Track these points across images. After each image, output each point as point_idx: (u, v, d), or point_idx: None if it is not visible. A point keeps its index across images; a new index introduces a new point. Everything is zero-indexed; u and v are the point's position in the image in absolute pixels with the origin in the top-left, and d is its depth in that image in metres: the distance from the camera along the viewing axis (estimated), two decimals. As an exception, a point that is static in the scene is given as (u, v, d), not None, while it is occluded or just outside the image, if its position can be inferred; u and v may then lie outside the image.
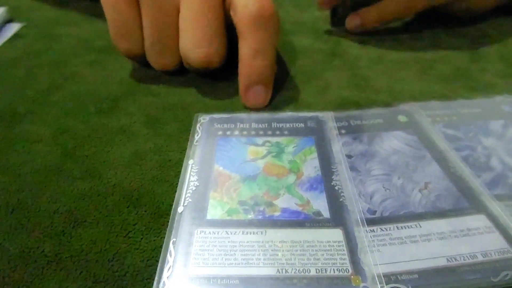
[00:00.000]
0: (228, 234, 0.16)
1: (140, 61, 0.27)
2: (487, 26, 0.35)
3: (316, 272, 0.15)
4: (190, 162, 0.20)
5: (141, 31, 0.25)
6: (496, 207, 0.17)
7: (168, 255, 0.15)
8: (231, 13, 0.24)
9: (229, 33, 0.24)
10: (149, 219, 0.17)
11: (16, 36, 0.33)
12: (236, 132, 0.22)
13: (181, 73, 0.27)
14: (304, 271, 0.15)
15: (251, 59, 0.23)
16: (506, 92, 0.26)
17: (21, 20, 0.35)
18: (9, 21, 0.35)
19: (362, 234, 0.16)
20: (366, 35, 0.33)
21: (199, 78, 0.27)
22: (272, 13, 0.23)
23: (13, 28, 0.34)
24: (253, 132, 0.22)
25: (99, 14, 0.37)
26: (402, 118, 0.23)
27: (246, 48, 0.23)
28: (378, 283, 0.14)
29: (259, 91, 0.24)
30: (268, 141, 0.21)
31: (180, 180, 0.19)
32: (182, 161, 0.20)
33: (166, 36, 0.24)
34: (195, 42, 0.23)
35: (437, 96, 0.25)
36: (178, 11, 0.24)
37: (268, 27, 0.23)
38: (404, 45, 0.32)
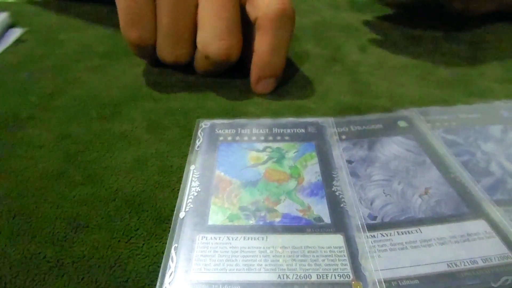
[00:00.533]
0: (229, 239, 0.16)
1: (148, 53, 0.26)
2: (485, 32, 0.35)
3: (317, 278, 0.15)
4: (192, 167, 0.20)
5: (154, 20, 0.24)
6: (496, 212, 0.17)
7: (170, 260, 0.15)
8: (249, 8, 0.25)
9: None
10: (151, 225, 0.17)
11: (18, 41, 0.33)
12: (237, 138, 0.22)
13: (183, 78, 0.28)
14: (305, 277, 0.15)
15: (268, 55, 0.24)
16: (505, 97, 0.26)
17: (23, 25, 0.36)
18: (11, 26, 0.35)
19: (363, 239, 0.16)
20: (366, 41, 0.33)
21: (201, 83, 0.27)
22: (293, 14, 0.24)
23: (16, 33, 0.34)
24: (254, 138, 0.22)
25: (101, 19, 0.37)
26: (402, 124, 0.23)
27: (264, 44, 0.24)
28: (379, 288, 0.14)
29: (269, 83, 0.26)
30: (269, 147, 0.21)
31: (181, 185, 0.19)
32: (184, 166, 0.20)
33: (183, 27, 0.24)
34: (217, 34, 0.24)
35: (437, 101, 0.26)
36: (196, 2, 0.24)
37: (288, 27, 0.24)
38: (404, 50, 0.32)
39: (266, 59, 0.25)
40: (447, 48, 0.32)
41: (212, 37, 0.24)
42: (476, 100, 0.26)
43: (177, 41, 0.25)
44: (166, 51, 0.25)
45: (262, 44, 0.24)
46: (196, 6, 0.24)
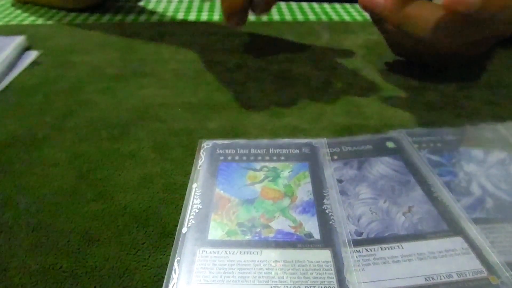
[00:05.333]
0: (227, 253, 0.18)
1: None
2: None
3: (306, 289, 0.16)
4: (194, 185, 0.22)
5: None
6: (473, 230, 0.19)
7: (173, 272, 0.17)
8: None
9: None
10: (156, 239, 0.19)
11: (34, 63, 0.35)
12: (237, 158, 0.24)
13: (187, 100, 0.30)
14: (295, 288, 0.16)
15: None
16: (491, 119, 0.27)
17: (38, 48, 0.38)
18: (27, 48, 0.37)
19: (349, 254, 0.18)
20: (360, 63, 0.35)
21: (203, 105, 0.29)
22: None
23: (31, 55, 0.36)
24: (252, 158, 0.24)
25: (110, 42, 0.40)
26: (390, 144, 0.25)
27: None
28: (361, 299, 0.16)
29: None
30: (266, 166, 0.23)
31: (184, 202, 0.21)
32: (187, 184, 0.22)
33: None
34: None
35: (425, 122, 0.27)
36: None
37: None
38: (395, 72, 0.34)
39: None
40: (437, 70, 0.34)
41: None
42: (462, 122, 0.27)
43: None
44: None
45: None
46: None
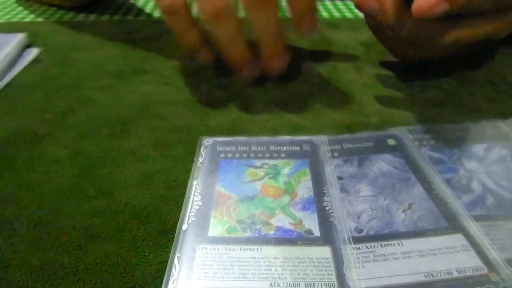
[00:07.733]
0: (227, 250, 0.18)
1: None
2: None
3: (305, 287, 0.16)
4: (194, 183, 0.22)
5: None
6: (473, 227, 0.19)
7: (173, 269, 0.17)
8: None
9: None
10: (156, 235, 0.19)
11: (35, 61, 0.35)
12: (237, 155, 0.24)
13: (187, 97, 0.30)
14: (295, 285, 0.16)
15: None
16: (492, 115, 0.27)
17: (39, 45, 0.38)
18: (28, 46, 0.37)
19: (349, 251, 0.18)
20: (361, 61, 0.35)
21: (203, 102, 0.29)
22: None
23: (32, 53, 0.36)
24: (252, 155, 0.24)
25: (111, 39, 0.40)
26: (390, 142, 0.25)
27: None
28: (361, 296, 0.16)
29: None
30: (266, 164, 0.23)
31: (184, 199, 0.21)
32: (187, 181, 0.22)
33: None
34: None
35: (426, 120, 0.27)
36: None
37: None
38: (397, 70, 0.34)
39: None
40: (438, 67, 0.34)
41: None
42: (463, 119, 0.27)
43: None
44: None
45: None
46: None
